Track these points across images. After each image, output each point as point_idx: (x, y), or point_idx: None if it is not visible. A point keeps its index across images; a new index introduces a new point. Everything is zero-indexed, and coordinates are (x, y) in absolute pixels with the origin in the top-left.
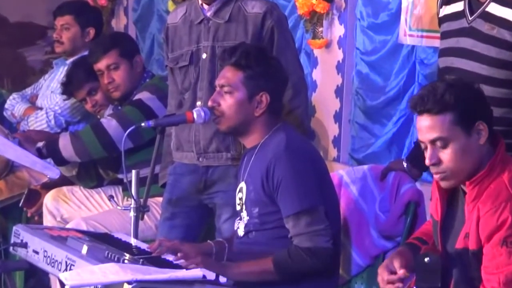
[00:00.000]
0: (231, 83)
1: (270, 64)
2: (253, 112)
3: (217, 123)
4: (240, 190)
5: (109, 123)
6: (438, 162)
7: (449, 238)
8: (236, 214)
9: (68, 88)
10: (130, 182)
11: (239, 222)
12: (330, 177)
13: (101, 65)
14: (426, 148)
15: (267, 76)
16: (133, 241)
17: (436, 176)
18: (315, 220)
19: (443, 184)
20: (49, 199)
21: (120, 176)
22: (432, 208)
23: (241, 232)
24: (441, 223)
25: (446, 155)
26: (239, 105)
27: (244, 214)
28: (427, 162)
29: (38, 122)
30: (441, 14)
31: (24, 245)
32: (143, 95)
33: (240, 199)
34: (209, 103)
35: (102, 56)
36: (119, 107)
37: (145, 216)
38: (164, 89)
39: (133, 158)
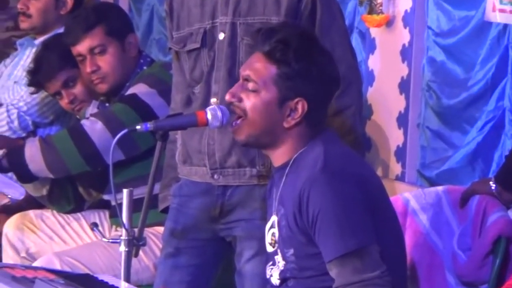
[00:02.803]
0: (258, 78)
1: (317, 62)
2: (281, 121)
3: (234, 132)
4: (273, 225)
5: (93, 126)
6: None
7: None
8: (264, 253)
9: (36, 77)
10: (121, 205)
11: (272, 269)
12: (390, 203)
13: (82, 47)
14: None
15: (309, 78)
16: (123, 286)
17: None
18: (366, 265)
19: None
20: (10, 228)
21: (106, 197)
22: None
23: (275, 281)
24: None
25: None
26: (266, 109)
27: (279, 257)
28: None
29: None
30: None
31: None
32: (139, 89)
33: (273, 235)
34: (227, 97)
35: (83, 35)
36: (106, 104)
37: (141, 252)
38: (166, 80)
39: (125, 174)
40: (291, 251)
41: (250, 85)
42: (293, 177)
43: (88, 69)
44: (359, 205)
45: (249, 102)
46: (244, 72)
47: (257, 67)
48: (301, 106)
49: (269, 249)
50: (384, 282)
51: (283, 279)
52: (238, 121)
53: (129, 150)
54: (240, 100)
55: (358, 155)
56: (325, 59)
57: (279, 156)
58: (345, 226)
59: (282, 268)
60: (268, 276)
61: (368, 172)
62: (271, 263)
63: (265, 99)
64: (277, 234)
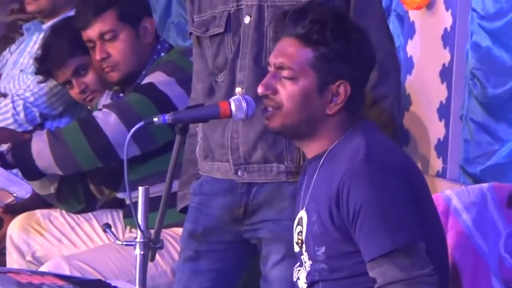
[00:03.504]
0: (294, 64)
1: (354, 40)
2: (324, 108)
3: (268, 118)
4: (300, 222)
5: (106, 118)
6: None
7: None
8: (292, 256)
9: (45, 65)
10: (136, 204)
11: (299, 270)
12: (432, 199)
13: (92, 33)
14: None
15: (348, 57)
16: None
17: None
18: (415, 263)
19: None
20: (15, 229)
21: (120, 195)
22: None
23: (302, 284)
24: None
25: None
26: (305, 97)
27: (305, 257)
28: None
29: (0, 115)
30: None
31: None
32: (156, 77)
33: (300, 234)
34: (260, 89)
35: (93, 20)
36: (121, 95)
37: (157, 256)
38: (186, 68)
39: (141, 170)
40: (322, 249)
41: (286, 73)
42: (329, 169)
43: (98, 56)
44: (405, 198)
45: (286, 92)
46: (277, 59)
47: (291, 52)
48: (343, 89)
49: (296, 249)
50: (434, 281)
51: (311, 282)
52: (272, 113)
53: (146, 144)
54: (275, 91)
55: (400, 146)
56: (362, 37)
57: (315, 146)
58: (392, 221)
59: (308, 269)
60: (295, 279)
61: (412, 165)
62: (298, 264)
63: (304, 86)
64: (304, 232)
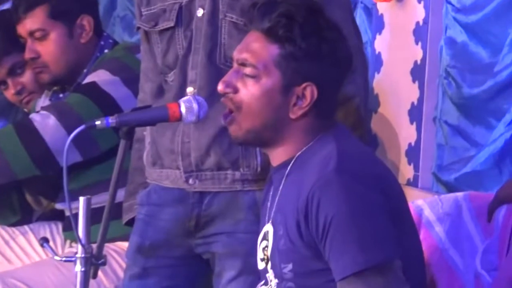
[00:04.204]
0: (258, 61)
1: (326, 38)
2: (286, 111)
3: (229, 124)
4: (265, 236)
5: (44, 121)
6: None
7: None
8: (249, 273)
9: None
10: (76, 216)
11: None
12: (411, 214)
13: (22, 30)
14: None
15: (318, 57)
16: None
17: None
18: (390, 283)
19: None
20: None
21: (59, 206)
22: None
23: None
24: None
25: None
26: (267, 98)
27: (270, 275)
28: None
29: None
30: None
31: None
32: (99, 76)
33: (265, 249)
34: (220, 87)
35: (23, 16)
36: (60, 95)
37: (100, 273)
38: (133, 66)
39: (82, 179)
40: (289, 266)
41: (248, 70)
42: (297, 178)
43: (26, 56)
44: (381, 211)
45: (246, 92)
46: (240, 55)
47: (255, 48)
48: (309, 92)
49: (261, 265)
50: None
51: None
52: (233, 116)
53: (88, 150)
54: (236, 90)
55: (375, 155)
56: (335, 34)
57: (280, 153)
58: (366, 236)
59: (274, 287)
60: None
61: (388, 174)
62: (263, 282)
63: (266, 86)
64: (270, 247)
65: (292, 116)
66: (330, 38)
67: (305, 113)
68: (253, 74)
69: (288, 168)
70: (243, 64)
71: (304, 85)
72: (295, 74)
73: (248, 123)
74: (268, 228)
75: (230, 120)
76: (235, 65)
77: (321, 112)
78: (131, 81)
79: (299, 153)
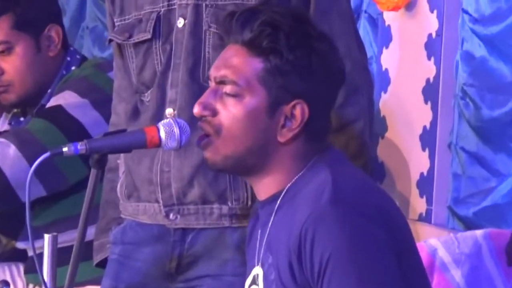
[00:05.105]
0: (239, 78)
1: (316, 49)
2: (274, 134)
3: (204, 148)
4: (255, 280)
5: (3, 151)
6: None
7: None
8: None
9: None
10: (41, 256)
11: None
12: (416, 247)
13: None
14: None
15: (308, 71)
16: None
17: None
18: None
19: None
20: None
21: (21, 245)
22: None
23: None
24: None
25: None
26: (251, 120)
27: None
28: None
29: None
30: None
31: None
32: (66, 99)
33: None
34: (196, 109)
35: None
36: (21, 119)
37: None
38: (104, 86)
39: (47, 215)
40: None
41: (228, 89)
42: (288, 213)
43: None
44: (382, 247)
45: (227, 114)
46: (218, 72)
47: (236, 63)
48: (300, 111)
49: None
50: None
51: None
52: (210, 141)
53: (53, 182)
54: (215, 113)
55: (375, 182)
56: (326, 45)
57: (267, 184)
58: (367, 276)
59: None
60: None
61: (391, 206)
62: None
63: (250, 106)
64: None
65: (281, 139)
66: (321, 49)
67: (296, 136)
68: (234, 93)
69: (278, 202)
70: (222, 82)
71: (293, 103)
72: (282, 91)
73: (228, 149)
74: (258, 271)
75: (206, 143)
76: (212, 84)
77: (313, 134)
78: (102, 104)
79: (289, 184)
